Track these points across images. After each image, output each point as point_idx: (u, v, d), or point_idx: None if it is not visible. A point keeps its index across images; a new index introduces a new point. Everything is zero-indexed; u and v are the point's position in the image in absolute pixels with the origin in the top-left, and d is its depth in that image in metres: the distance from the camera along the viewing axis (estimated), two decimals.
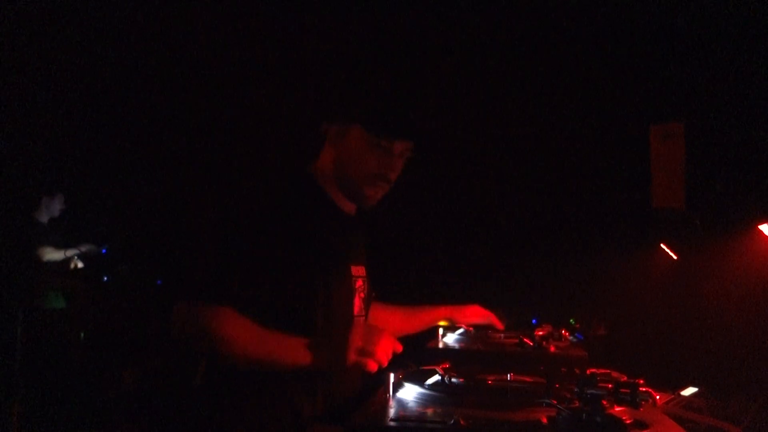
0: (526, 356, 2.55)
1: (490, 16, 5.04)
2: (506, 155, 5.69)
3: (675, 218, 4.29)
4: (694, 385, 2.04)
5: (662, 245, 4.83)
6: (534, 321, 3.15)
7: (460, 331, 2.90)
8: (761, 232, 3.55)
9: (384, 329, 1.69)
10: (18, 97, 6.06)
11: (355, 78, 1.95)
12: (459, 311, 2.64)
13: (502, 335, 2.86)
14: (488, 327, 2.86)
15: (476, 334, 2.89)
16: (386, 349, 1.67)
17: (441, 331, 2.73)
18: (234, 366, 1.72)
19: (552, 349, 2.62)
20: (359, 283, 1.97)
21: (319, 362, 1.68)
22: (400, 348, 1.70)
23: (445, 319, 2.60)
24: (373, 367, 1.66)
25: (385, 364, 1.67)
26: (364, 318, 1.99)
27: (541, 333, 2.74)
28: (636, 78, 5.14)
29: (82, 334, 5.05)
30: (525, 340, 2.66)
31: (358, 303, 1.95)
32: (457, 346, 2.71)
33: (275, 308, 1.74)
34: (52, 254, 5.49)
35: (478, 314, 2.71)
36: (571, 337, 2.88)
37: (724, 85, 4.67)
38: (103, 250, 5.74)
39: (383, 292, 2.53)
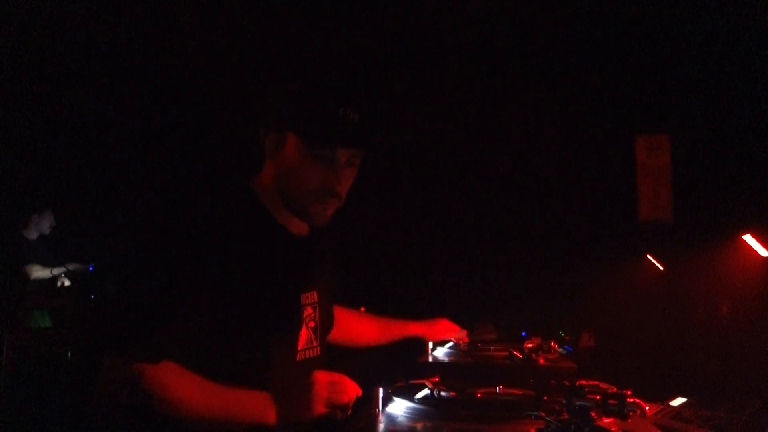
0: (516, 369, 2.54)
1: (474, 12, 4.98)
2: (493, 168, 5.68)
3: (661, 230, 4.31)
4: (683, 396, 2.03)
5: (649, 257, 4.87)
6: (524, 333, 3.15)
7: (450, 344, 2.90)
8: (745, 242, 3.62)
9: (344, 377, 1.52)
10: (7, 114, 6.04)
11: (285, 78, 1.68)
12: (429, 326, 2.61)
13: (492, 348, 2.86)
14: (456, 342, 2.89)
15: (466, 348, 2.89)
16: (352, 397, 1.52)
17: (430, 345, 2.72)
18: (185, 427, 1.51)
19: (541, 361, 2.63)
20: (308, 311, 1.77)
21: (283, 417, 1.51)
22: (360, 392, 1.55)
23: (415, 335, 2.57)
24: (340, 416, 1.52)
25: (349, 413, 1.55)
26: (315, 350, 1.79)
27: (530, 345, 2.74)
28: (621, 90, 5.15)
29: (69, 354, 4.97)
30: (514, 352, 2.65)
31: (304, 336, 1.75)
32: (446, 359, 2.71)
33: (213, 351, 1.56)
34: (39, 272, 5.46)
35: (447, 329, 2.69)
36: (560, 349, 2.87)
37: (709, 96, 4.72)
38: (90, 268, 5.64)
39: (368, 303, 2.57)
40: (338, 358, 2.03)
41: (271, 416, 1.48)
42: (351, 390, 1.49)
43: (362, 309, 2.56)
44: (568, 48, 5.18)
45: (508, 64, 5.39)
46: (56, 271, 5.42)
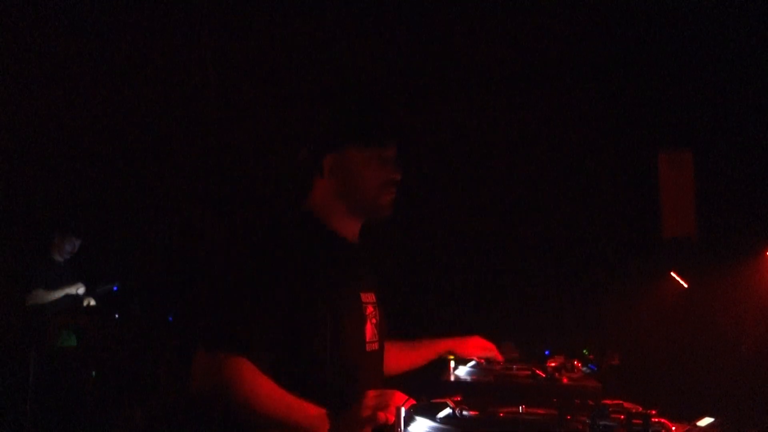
0: (539, 388, 2.52)
1: (491, 29, 4.97)
2: (518, 186, 5.68)
3: (685, 246, 4.28)
4: (710, 416, 1.93)
5: (673, 274, 4.84)
6: (547, 352, 3.10)
7: (472, 363, 2.85)
8: None
9: (394, 390, 1.65)
10: (29, 139, 6.15)
11: (337, 105, 2.02)
12: (460, 343, 2.64)
13: (515, 367, 2.83)
14: (489, 359, 2.83)
15: (488, 367, 2.83)
16: (399, 403, 1.62)
17: (452, 363, 2.69)
18: (248, 423, 1.74)
19: (565, 380, 2.60)
20: (369, 309, 1.99)
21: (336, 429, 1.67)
22: (412, 401, 1.66)
23: (446, 352, 2.59)
24: (382, 419, 1.61)
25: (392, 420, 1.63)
26: (377, 344, 2.01)
27: (553, 364, 2.73)
28: (644, 106, 5.15)
29: (94, 373, 5.03)
30: (537, 371, 2.63)
31: (369, 329, 1.97)
32: (468, 378, 2.67)
33: (290, 349, 1.77)
34: (65, 292, 5.53)
35: (479, 346, 2.70)
36: (584, 368, 2.85)
37: (731, 112, 4.70)
38: (115, 288, 5.78)
39: (392, 324, 2.50)
40: None
41: (324, 428, 1.64)
42: (398, 398, 1.60)
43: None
44: (591, 64, 5.20)
45: (531, 79, 5.42)
46: (81, 290, 5.47)
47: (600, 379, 2.74)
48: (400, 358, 2.45)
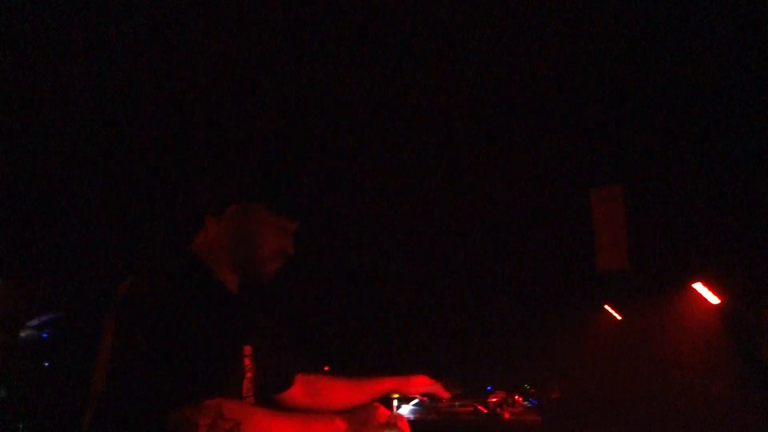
0: (481, 424, 2.48)
1: (417, 72, 4.55)
2: (455, 225, 5.46)
3: (618, 279, 4.44)
4: None
5: (607, 307, 4.89)
6: (489, 388, 3.17)
7: (415, 401, 2.92)
8: (695, 290, 3.91)
9: (379, 407, 1.68)
10: None
11: (265, 162, 2.00)
12: (405, 382, 2.47)
13: (457, 403, 2.91)
14: (434, 397, 2.60)
15: (431, 404, 2.93)
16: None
17: (395, 402, 2.74)
18: None
19: (506, 415, 2.73)
20: (247, 362, 1.90)
21: None
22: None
23: (391, 390, 2.45)
24: None
25: None
26: (252, 399, 1.90)
27: (495, 399, 2.87)
28: (576, 146, 4.92)
29: (21, 425, 4.80)
30: (479, 407, 2.71)
31: (246, 384, 1.87)
32: (412, 417, 2.72)
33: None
34: None
35: (423, 384, 2.50)
36: (525, 402, 2.85)
37: (661, 147, 4.65)
38: (44, 335, 5.30)
39: (335, 364, 2.60)
40: None
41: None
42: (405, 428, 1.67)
43: (326, 368, 2.61)
44: (524, 107, 4.74)
45: (466, 123, 4.95)
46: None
47: (541, 412, 2.83)
48: (344, 395, 2.36)
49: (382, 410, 1.66)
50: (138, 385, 1.58)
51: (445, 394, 2.47)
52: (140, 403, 1.57)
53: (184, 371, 1.59)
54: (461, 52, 4.45)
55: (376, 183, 5.47)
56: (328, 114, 5.21)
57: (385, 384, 2.35)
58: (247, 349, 1.86)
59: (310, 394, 2.19)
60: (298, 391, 2.17)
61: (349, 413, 1.67)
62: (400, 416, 1.64)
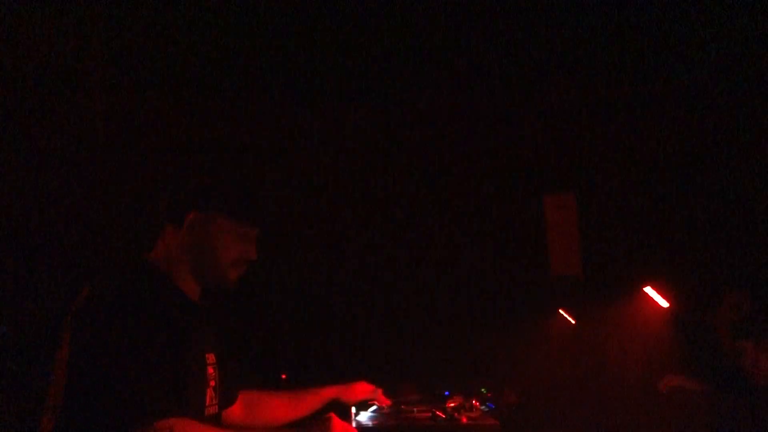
0: (439, 429, 2.55)
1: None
2: (412, 227, 5.51)
3: (571, 285, 4.53)
4: None
5: (561, 311, 5.02)
6: (446, 393, 3.17)
7: (373, 408, 2.88)
8: (646, 294, 3.97)
9: (332, 418, 1.71)
10: None
11: (224, 168, 2.01)
12: (346, 390, 2.56)
13: (415, 409, 2.86)
14: (373, 403, 2.80)
15: (389, 411, 2.86)
16: None
17: (354, 409, 2.69)
18: None
19: (464, 420, 2.65)
20: (209, 371, 1.89)
21: None
22: None
23: (332, 399, 2.52)
24: None
25: None
26: (215, 408, 1.91)
27: (452, 404, 2.77)
28: (530, 153, 5.03)
29: None
30: (437, 412, 2.66)
31: (209, 393, 1.87)
32: (370, 423, 2.68)
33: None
34: None
35: (364, 391, 2.62)
36: (482, 407, 2.90)
37: (611, 155, 4.75)
38: None
39: (292, 371, 2.59)
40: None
41: None
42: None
43: (283, 376, 2.65)
44: (480, 117, 4.84)
45: (423, 130, 5.05)
46: None
47: (498, 416, 2.78)
48: (285, 409, 2.39)
49: (336, 422, 1.69)
50: (97, 400, 1.56)
51: (386, 402, 2.58)
52: (101, 418, 1.55)
53: (146, 383, 1.55)
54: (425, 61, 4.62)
55: (335, 182, 5.50)
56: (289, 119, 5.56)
57: (325, 393, 2.43)
58: (210, 357, 1.86)
59: (249, 411, 2.19)
60: (237, 409, 2.17)
61: (300, 428, 1.70)
62: (351, 428, 1.72)
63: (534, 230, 5.04)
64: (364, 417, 2.70)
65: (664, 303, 4.06)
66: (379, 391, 2.63)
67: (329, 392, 2.48)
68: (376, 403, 2.71)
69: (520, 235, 5.24)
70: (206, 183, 1.88)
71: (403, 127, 5.43)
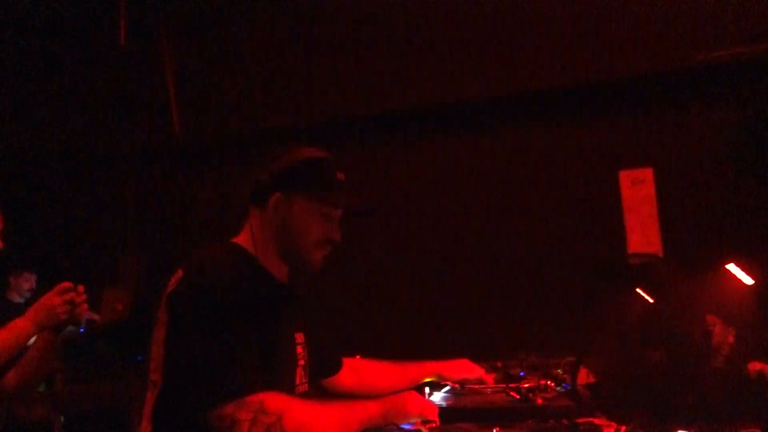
0: (513, 409, 2.50)
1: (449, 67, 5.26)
2: (490, 206, 5.58)
3: (650, 263, 4.41)
4: (684, 428, 2.00)
5: (638, 290, 4.62)
6: (522, 374, 3.13)
7: (447, 388, 2.83)
8: (729, 271, 3.81)
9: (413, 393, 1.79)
10: None
11: (308, 152, 1.95)
12: (447, 367, 2.57)
13: (489, 390, 2.82)
14: (477, 382, 2.78)
15: (462, 390, 2.82)
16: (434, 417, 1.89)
17: (427, 389, 2.66)
18: None
19: (539, 400, 2.59)
20: (299, 350, 1.95)
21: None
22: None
23: (433, 375, 2.53)
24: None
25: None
26: (306, 386, 1.97)
27: (527, 385, 2.73)
28: (604, 128, 5.14)
29: (62, 418, 4.82)
30: (512, 393, 2.62)
31: (299, 372, 1.93)
32: (444, 403, 2.62)
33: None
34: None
35: (466, 369, 2.63)
36: (558, 388, 2.86)
37: (690, 129, 4.77)
38: (81, 330, 5.15)
39: (372, 347, 2.59)
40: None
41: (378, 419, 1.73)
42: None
43: (357, 356, 2.57)
44: (553, 94, 5.16)
45: (494, 111, 5.40)
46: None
47: (574, 397, 2.73)
48: (389, 379, 2.43)
49: (416, 397, 1.77)
50: (193, 376, 1.61)
51: (489, 380, 2.63)
52: (197, 393, 1.60)
53: (238, 361, 1.60)
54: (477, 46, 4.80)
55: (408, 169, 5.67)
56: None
57: (428, 368, 2.50)
58: (299, 337, 1.94)
59: (356, 378, 2.29)
60: (344, 376, 2.27)
61: (382, 400, 1.75)
62: (431, 404, 1.80)
63: (611, 206, 4.94)
64: (438, 397, 2.67)
65: (748, 280, 3.87)
66: (482, 369, 2.68)
67: (432, 368, 2.54)
68: (468, 382, 2.69)
69: (596, 211, 5.12)
70: (288, 164, 1.90)
71: (478, 115, 5.47)
